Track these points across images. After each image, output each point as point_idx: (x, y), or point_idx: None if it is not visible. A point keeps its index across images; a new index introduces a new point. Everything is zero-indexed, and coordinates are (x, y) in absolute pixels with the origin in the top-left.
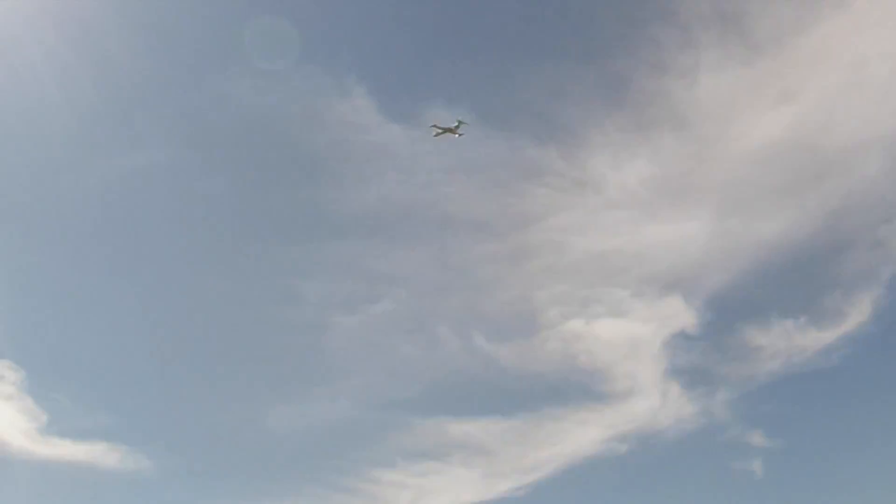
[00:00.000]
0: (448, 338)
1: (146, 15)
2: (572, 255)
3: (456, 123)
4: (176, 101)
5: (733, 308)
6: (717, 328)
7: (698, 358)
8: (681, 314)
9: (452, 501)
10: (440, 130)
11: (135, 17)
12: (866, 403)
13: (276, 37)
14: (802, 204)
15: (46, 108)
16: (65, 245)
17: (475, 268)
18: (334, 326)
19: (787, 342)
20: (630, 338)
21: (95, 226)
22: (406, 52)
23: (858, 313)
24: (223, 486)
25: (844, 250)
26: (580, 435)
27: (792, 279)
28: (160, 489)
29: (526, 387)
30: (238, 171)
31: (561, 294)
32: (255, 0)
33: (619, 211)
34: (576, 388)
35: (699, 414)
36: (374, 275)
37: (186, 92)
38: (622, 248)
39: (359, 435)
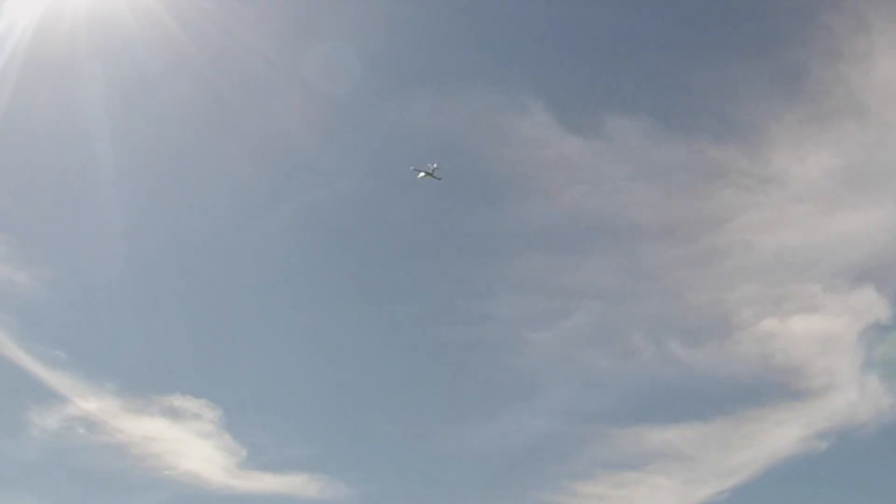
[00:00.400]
0: (642, 346)
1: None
2: (762, 253)
3: (433, 167)
4: (360, 130)
5: None
6: None
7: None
8: (874, 305)
9: None
10: (423, 174)
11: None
12: None
13: (453, 60)
14: None
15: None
16: (254, 279)
17: (665, 273)
18: (527, 343)
19: None
20: (824, 332)
21: (284, 260)
22: (578, 64)
23: None
24: None
25: None
26: (779, 435)
27: None
28: None
29: (722, 390)
30: (424, 195)
31: (753, 293)
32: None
33: (804, 204)
34: (772, 387)
35: None
36: (565, 288)
37: (369, 120)
38: (811, 242)
39: (556, 449)
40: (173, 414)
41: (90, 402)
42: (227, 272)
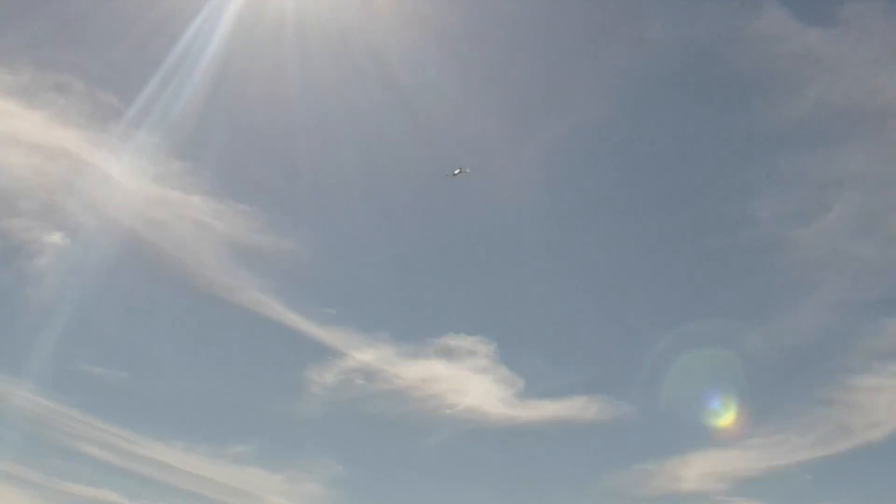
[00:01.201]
0: None
1: None
2: None
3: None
4: (604, 53)
5: None
6: None
7: None
8: None
9: None
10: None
11: None
12: None
13: None
14: None
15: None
16: (514, 208)
17: None
18: (791, 241)
19: None
20: None
21: (545, 186)
22: None
23: None
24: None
25: None
26: None
27: None
28: (641, 432)
29: None
30: (672, 108)
31: None
32: None
33: None
34: None
35: None
36: (822, 181)
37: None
38: None
39: (829, 345)
40: (448, 353)
41: (366, 353)
42: (488, 204)
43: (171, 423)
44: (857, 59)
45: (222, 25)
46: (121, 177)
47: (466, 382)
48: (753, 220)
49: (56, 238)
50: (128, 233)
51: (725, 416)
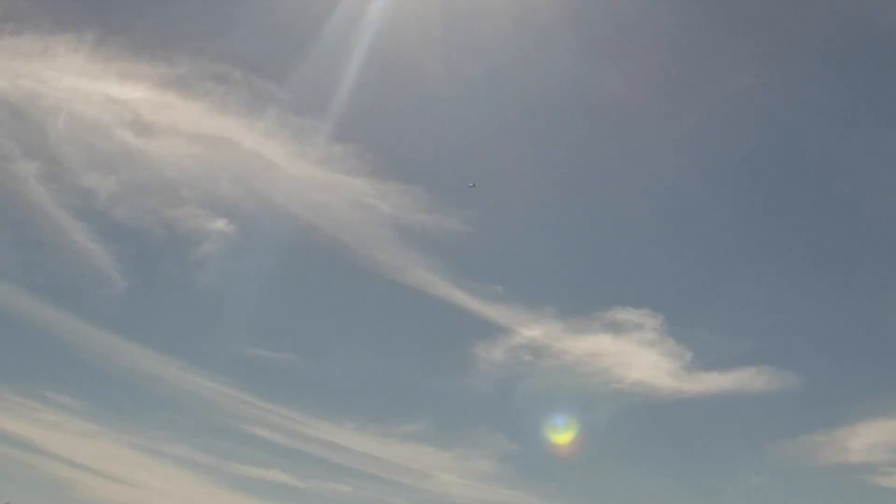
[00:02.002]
0: None
1: None
2: None
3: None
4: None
5: None
6: None
7: None
8: None
9: None
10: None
11: None
12: None
13: None
14: None
15: None
16: (672, 174)
17: None
18: None
19: None
20: None
21: (708, 157)
22: None
23: None
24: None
25: None
26: None
27: None
28: (809, 402)
29: None
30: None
31: None
32: None
33: None
34: None
35: None
36: None
37: None
38: None
39: None
40: (615, 327)
41: (533, 329)
42: (650, 176)
43: (340, 403)
44: None
45: (376, 3)
46: (283, 162)
47: (634, 356)
48: None
49: (220, 225)
50: (292, 217)
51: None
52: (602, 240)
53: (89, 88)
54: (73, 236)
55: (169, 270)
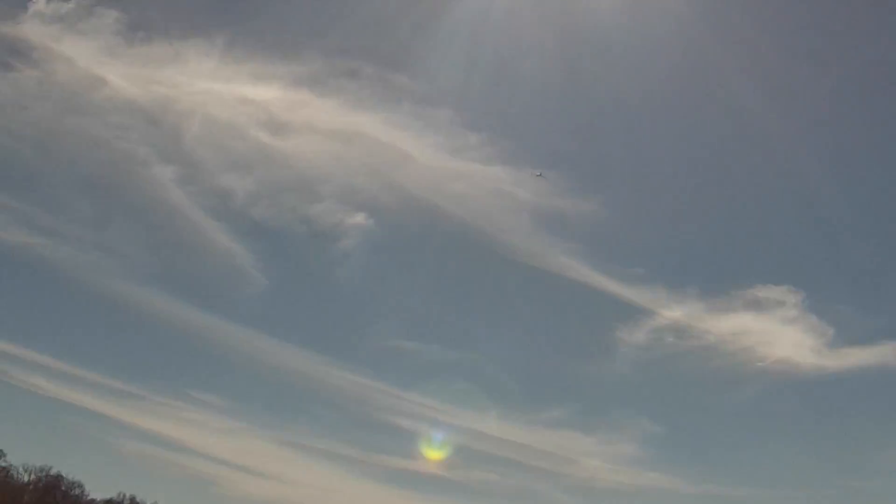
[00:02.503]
0: None
1: None
2: None
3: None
4: None
5: None
6: None
7: None
8: None
9: None
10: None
11: None
12: None
13: None
14: None
15: None
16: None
17: None
18: None
19: None
20: None
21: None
22: None
23: None
24: None
25: None
26: None
27: None
28: None
29: None
30: None
31: None
32: None
33: None
34: None
35: None
36: None
37: None
38: None
39: None
40: (756, 305)
41: (674, 311)
42: (784, 150)
43: (483, 392)
44: None
45: None
46: (418, 154)
47: (776, 334)
48: None
49: (359, 219)
50: (430, 209)
51: None
52: (741, 218)
53: (222, 91)
54: (213, 237)
55: (309, 267)
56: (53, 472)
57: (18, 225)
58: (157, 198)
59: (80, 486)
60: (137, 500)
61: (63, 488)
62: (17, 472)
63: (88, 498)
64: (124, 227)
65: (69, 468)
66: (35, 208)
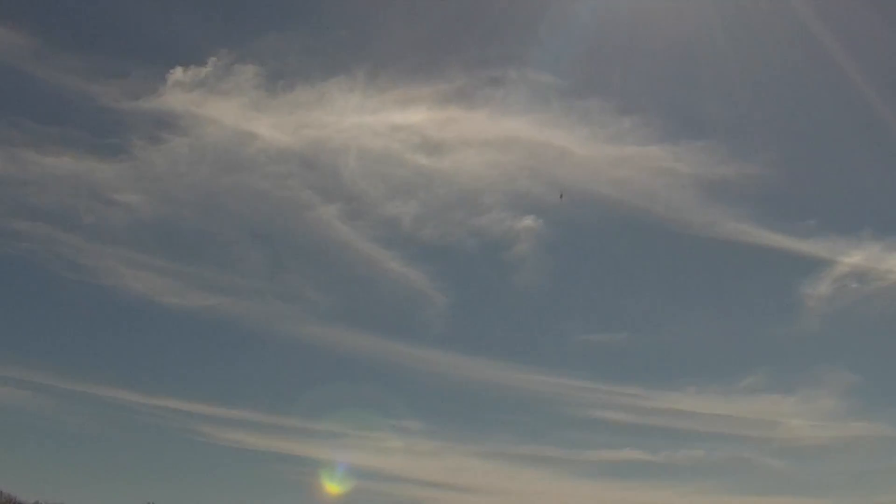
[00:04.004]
0: None
1: None
2: None
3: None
4: None
5: None
6: None
7: None
8: None
9: None
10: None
11: None
12: None
13: None
14: None
15: None
16: None
17: None
18: None
19: None
20: None
21: None
22: None
23: None
24: None
25: None
26: None
27: None
28: None
29: None
30: None
31: None
32: None
33: None
34: None
35: None
36: None
37: None
38: None
39: None
40: None
41: (853, 256)
42: None
43: (677, 370)
44: None
45: None
46: (575, 147)
47: None
48: None
49: (528, 222)
50: (595, 199)
51: None
52: None
53: (371, 122)
54: (387, 266)
55: (486, 277)
56: None
57: (195, 289)
58: (325, 238)
59: None
60: None
61: None
62: None
63: None
64: (298, 272)
65: None
66: (208, 270)
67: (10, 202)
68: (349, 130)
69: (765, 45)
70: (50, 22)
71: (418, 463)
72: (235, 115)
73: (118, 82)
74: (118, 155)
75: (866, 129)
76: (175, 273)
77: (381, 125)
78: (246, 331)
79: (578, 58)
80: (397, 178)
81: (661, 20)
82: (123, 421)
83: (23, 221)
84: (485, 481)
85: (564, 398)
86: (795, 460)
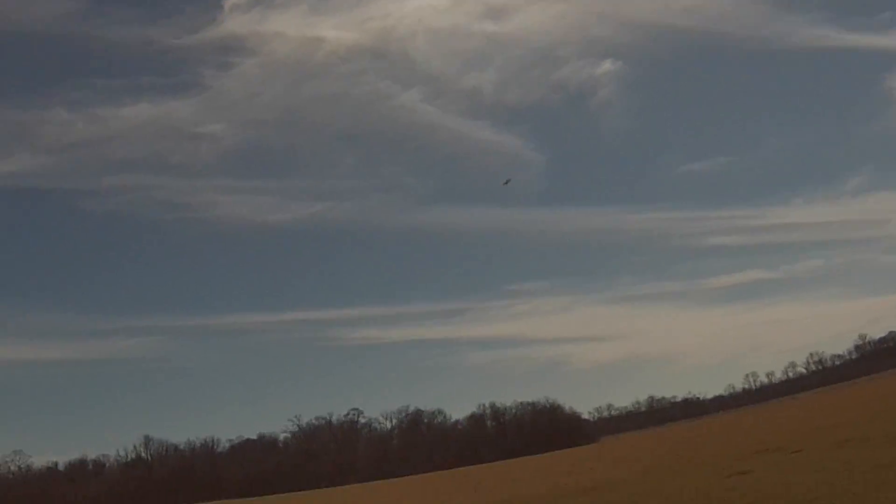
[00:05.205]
0: None
1: None
2: None
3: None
4: None
5: None
6: None
7: None
8: None
9: None
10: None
11: None
12: None
13: None
14: None
15: None
16: None
17: None
18: None
19: None
20: None
21: None
22: None
23: None
24: None
25: None
26: None
27: None
28: None
29: None
30: None
31: None
32: None
33: None
34: None
35: None
36: None
37: None
38: None
39: None
40: None
41: None
42: None
43: (781, 185)
44: None
45: None
46: None
47: None
48: None
49: (607, 66)
50: (669, 30)
51: None
52: None
53: (432, 2)
54: (477, 137)
55: (577, 129)
56: (411, 409)
57: (294, 201)
58: (412, 123)
59: (441, 412)
60: (497, 405)
61: (425, 420)
62: (379, 423)
63: (452, 420)
64: (392, 163)
65: (426, 402)
66: (303, 181)
67: (98, 161)
68: (413, 14)
69: None
70: None
71: (547, 322)
72: (298, 23)
73: (175, 20)
74: (191, 90)
75: None
76: (272, 190)
77: (441, 2)
78: (351, 230)
79: None
80: (469, 49)
81: None
82: (255, 345)
83: (113, 176)
84: (615, 327)
85: (677, 231)
86: None
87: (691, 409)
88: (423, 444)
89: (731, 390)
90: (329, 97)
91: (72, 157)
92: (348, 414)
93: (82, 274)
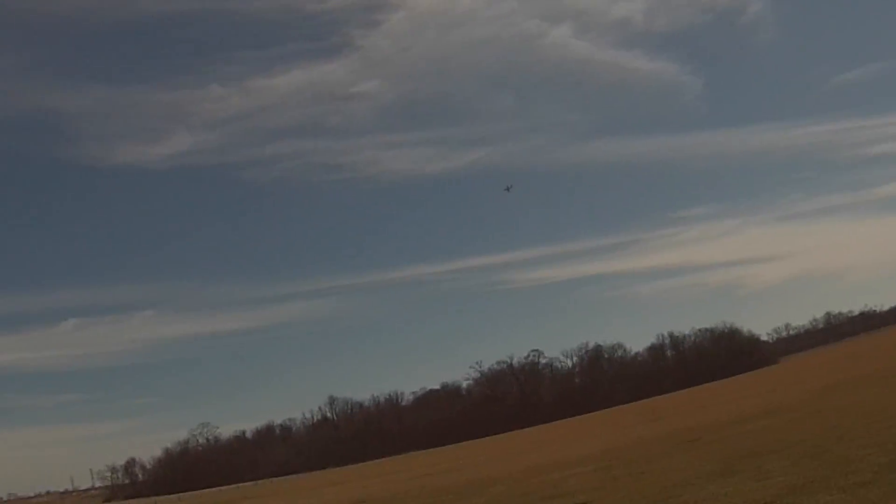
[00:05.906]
0: None
1: None
2: None
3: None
4: None
5: None
6: None
7: None
8: None
9: None
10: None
11: None
12: None
13: None
14: None
15: None
16: None
17: None
18: None
19: None
20: None
21: None
22: None
23: None
24: None
25: None
26: None
27: None
28: None
29: None
30: None
31: None
32: None
33: None
34: None
35: None
36: None
37: None
38: None
39: None
40: None
41: None
42: None
43: None
44: None
45: None
46: None
47: None
48: None
49: None
50: None
51: None
52: None
53: None
54: (632, 66)
55: (729, 48)
56: (591, 346)
57: (454, 150)
58: (564, 59)
59: (620, 346)
60: (675, 334)
61: (605, 355)
62: (560, 362)
63: (632, 353)
64: (547, 101)
65: (604, 337)
66: (460, 129)
67: (257, 132)
68: None
69: None
70: None
71: (717, 246)
72: None
73: None
74: (342, 51)
75: None
76: (431, 141)
77: None
78: (511, 173)
79: None
80: None
81: None
82: (431, 296)
83: (272, 145)
84: (785, 247)
85: (839, 143)
86: None
87: (869, 322)
88: (604, 379)
89: None
90: (478, 42)
91: (230, 131)
92: (528, 356)
93: (252, 244)
